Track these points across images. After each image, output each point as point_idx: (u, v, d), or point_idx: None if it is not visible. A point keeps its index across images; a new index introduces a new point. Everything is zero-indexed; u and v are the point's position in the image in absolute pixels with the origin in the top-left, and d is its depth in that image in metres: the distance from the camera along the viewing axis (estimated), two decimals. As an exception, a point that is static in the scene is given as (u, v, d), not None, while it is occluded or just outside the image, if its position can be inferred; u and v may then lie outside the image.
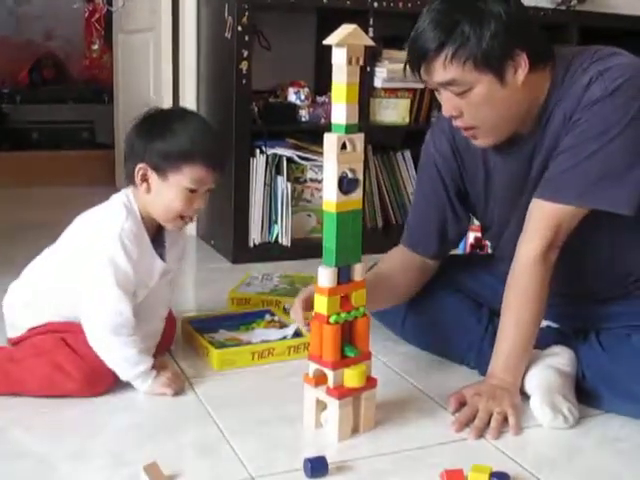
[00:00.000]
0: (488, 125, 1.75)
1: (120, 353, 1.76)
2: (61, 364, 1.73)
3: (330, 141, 1.52)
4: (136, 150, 1.82)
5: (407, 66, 1.76)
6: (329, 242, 1.56)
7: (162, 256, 1.89)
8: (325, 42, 1.49)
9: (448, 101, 1.74)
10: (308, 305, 1.73)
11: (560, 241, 1.75)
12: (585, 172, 1.69)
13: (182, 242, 2.02)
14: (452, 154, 1.97)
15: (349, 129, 1.52)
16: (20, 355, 1.77)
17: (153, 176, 1.80)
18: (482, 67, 1.66)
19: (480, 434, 1.66)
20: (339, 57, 1.49)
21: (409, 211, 2.15)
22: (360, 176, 1.57)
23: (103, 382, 1.77)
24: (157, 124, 1.82)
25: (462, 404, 1.76)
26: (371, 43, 1.53)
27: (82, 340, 1.76)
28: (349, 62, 1.49)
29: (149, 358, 1.80)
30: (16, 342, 1.86)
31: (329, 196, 1.54)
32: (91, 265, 1.77)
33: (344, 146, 1.54)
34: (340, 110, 1.52)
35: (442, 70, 1.68)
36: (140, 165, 1.80)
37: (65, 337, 1.78)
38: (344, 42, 1.47)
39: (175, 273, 2.01)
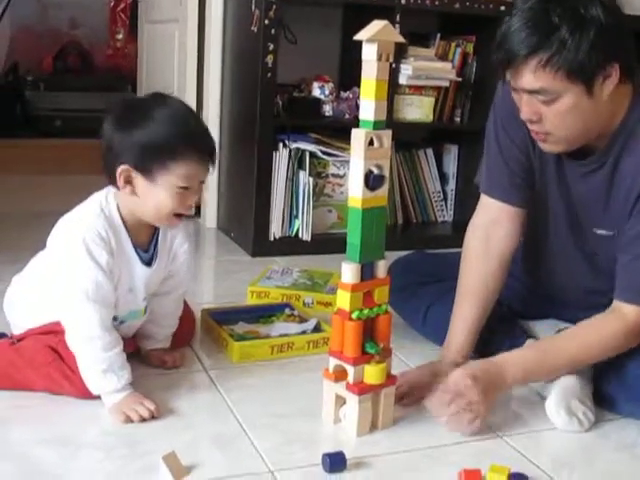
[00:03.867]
0: (564, 134, 1.67)
1: (90, 366, 1.64)
2: (56, 379, 1.68)
3: (357, 137, 1.52)
4: (115, 148, 1.65)
5: (496, 67, 1.65)
6: (353, 238, 1.56)
7: (149, 261, 1.78)
8: (356, 37, 1.49)
9: (530, 106, 1.64)
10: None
11: None
12: None
13: (182, 250, 1.86)
14: (525, 140, 1.83)
15: (377, 125, 1.52)
16: (19, 363, 1.72)
17: (138, 177, 1.65)
18: (574, 77, 1.56)
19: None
20: (369, 53, 1.49)
21: (484, 163, 1.97)
22: (386, 173, 1.56)
23: None
24: (135, 115, 1.66)
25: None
26: (401, 40, 1.53)
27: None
28: (379, 58, 1.48)
29: (119, 378, 1.64)
30: (18, 339, 1.79)
31: (355, 192, 1.54)
32: (61, 274, 1.67)
33: (371, 142, 1.53)
34: (369, 106, 1.51)
35: (532, 76, 1.58)
36: (122, 167, 1.64)
37: (58, 346, 1.69)
38: (375, 38, 1.47)
39: (183, 288, 1.94)
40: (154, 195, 1.65)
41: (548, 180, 1.85)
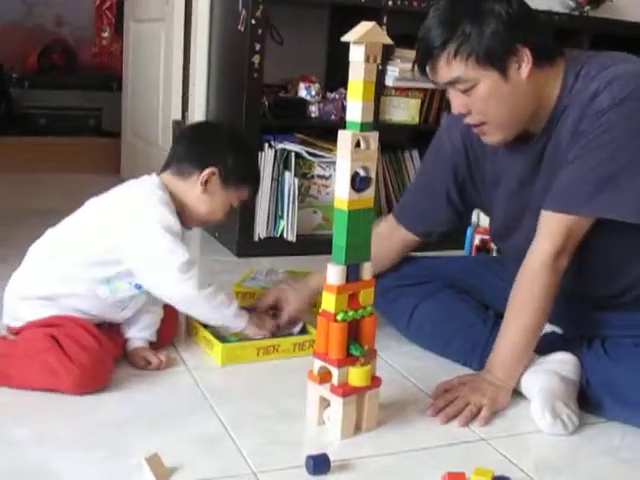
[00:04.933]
0: (496, 121, 1.78)
1: (210, 303, 1.86)
2: (52, 365, 1.70)
3: (344, 138, 1.52)
4: (211, 154, 1.93)
5: (415, 65, 1.80)
6: (339, 240, 1.55)
7: None
8: (343, 39, 1.48)
9: (456, 99, 1.78)
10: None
11: (570, 248, 1.76)
12: (592, 182, 1.71)
13: None
14: (464, 146, 2.00)
15: (364, 127, 1.52)
16: (14, 353, 1.74)
17: (216, 181, 1.93)
18: (484, 63, 1.71)
19: (448, 420, 1.71)
20: (357, 54, 1.48)
21: (408, 186, 2.21)
22: (373, 174, 1.56)
23: (95, 382, 1.73)
24: (230, 139, 2.01)
25: (446, 391, 1.79)
26: (389, 41, 1.52)
27: (75, 337, 1.73)
28: (367, 60, 1.48)
29: (235, 299, 1.95)
30: (15, 333, 1.82)
31: (341, 194, 1.53)
32: (142, 235, 1.81)
33: (358, 144, 1.53)
34: (356, 107, 1.51)
35: (446, 68, 1.73)
36: (212, 169, 1.91)
37: (57, 335, 1.74)
38: (363, 39, 1.46)
39: None
40: (217, 200, 1.95)
41: (488, 176, 1.98)
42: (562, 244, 1.75)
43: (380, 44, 1.50)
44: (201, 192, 1.92)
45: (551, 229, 1.76)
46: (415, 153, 3.45)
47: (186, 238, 1.93)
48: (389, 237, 2.15)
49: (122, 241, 1.80)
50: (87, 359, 1.70)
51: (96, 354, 1.73)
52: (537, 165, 1.85)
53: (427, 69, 1.78)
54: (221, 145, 1.96)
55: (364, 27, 1.48)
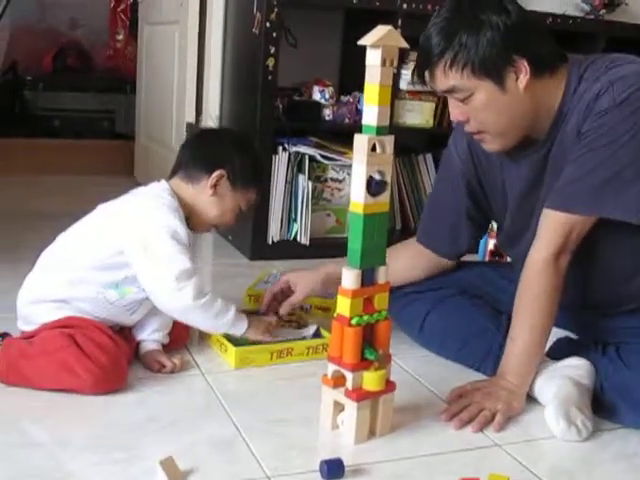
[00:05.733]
0: (494, 130, 1.79)
1: (207, 312, 1.84)
2: (70, 364, 1.70)
3: (360, 142, 1.51)
4: (218, 157, 1.95)
5: (415, 72, 1.83)
6: (355, 243, 1.55)
7: None
8: (360, 42, 1.48)
9: (454, 107, 1.79)
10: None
11: (571, 247, 1.77)
12: (593, 181, 1.72)
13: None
14: (471, 157, 2.01)
15: (380, 131, 1.51)
16: (31, 351, 1.74)
17: (225, 184, 1.94)
18: (480, 73, 1.72)
19: (462, 425, 1.70)
20: (373, 58, 1.48)
21: (424, 207, 2.21)
22: (388, 178, 1.56)
23: (112, 382, 1.74)
24: (239, 142, 2.01)
25: (460, 396, 1.79)
26: (405, 45, 1.52)
27: (92, 338, 1.74)
28: (383, 63, 1.47)
29: (232, 305, 1.92)
30: (28, 337, 1.82)
31: (357, 197, 1.53)
32: (146, 240, 1.80)
33: (374, 148, 1.53)
34: (372, 111, 1.50)
35: (443, 77, 1.75)
36: (221, 171, 1.93)
37: (75, 334, 1.75)
38: (379, 43, 1.46)
39: None
40: (227, 203, 1.96)
41: (496, 183, 1.99)
42: (563, 243, 1.75)
43: (396, 48, 1.50)
44: (211, 195, 1.93)
45: (552, 228, 1.76)
46: (429, 156, 3.44)
47: (199, 241, 1.95)
48: (415, 263, 2.14)
49: (129, 246, 1.80)
50: (105, 359, 1.71)
51: (114, 354, 1.75)
52: (542, 170, 1.85)
53: (426, 77, 1.79)
54: (227, 148, 1.97)
55: (380, 31, 1.47)
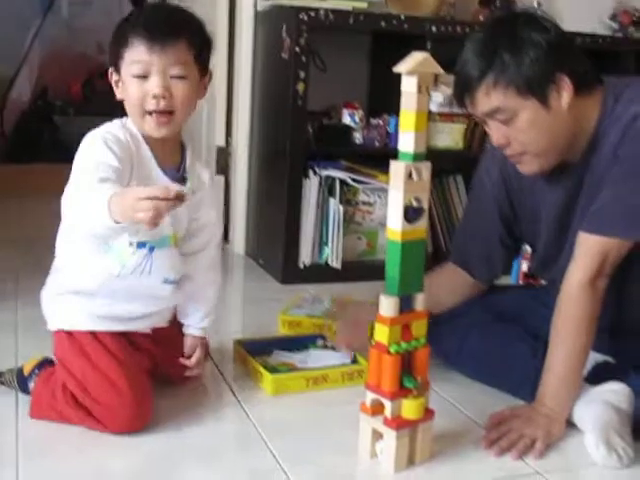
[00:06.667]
0: (535, 150, 1.77)
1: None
2: (92, 418, 1.67)
3: (397, 169, 1.51)
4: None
5: (454, 97, 1.83)
6: (392, 271, 1.54)
7: (181, 181, 1.75)
8: (395, 70, 1.48)
9: (495, 130, 1.78)
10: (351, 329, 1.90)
11: (608, 270, 1.75)
12: (630, 205, 1.70)
13: (202, 177, 1.83)
14: (503, 182, 1.99)
15: (416, 157, 1.51)
16: (59, 405, 1.70)
17: (118, 77, 1.67)
18: (524, 92, 1.70)
19: (502, 453, 1.68)
20: (409, 85, 1.48)
21: (456, 232, 2.20)
22: (425, 205, 1.55)
23: (139, 422, 1.68)
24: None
25: (499, 423, 1.77)
26: (441, 71, 1.51)
27: (104, 378, 1.67)
28: (419, 90, 1.47)
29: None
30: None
31: (394, 225, 1.52)
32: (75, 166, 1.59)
33: (410, 174, 1.52)
34: (408, 138, 1.50)
35: (486, 98, 1.73)
36: (110, 70, 1.68)
37: (88, 386, 1.67)
38: (415, 70, 1.46)
39: (215, 240, 1.90)
40: (124, 90, 1.66)
41: (528, 207, 1.98)
42: (599, 267, 1.74)
43: (432, 74, 1.50)
44: (120, 98, 1.69)
45: (588, 251, 1.74)
46: (459, 178, 3.43)
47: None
48: (454, 288, 2.13)
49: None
50: (122, 401, 1.65)
51: (131, 395, 1.66)
52: (576, 193, 1.83)
53: (466, 101, 1.77)
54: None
55: (416, 58, 1.47)
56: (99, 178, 1.49)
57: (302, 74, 2.89)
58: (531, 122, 1.72)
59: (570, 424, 1.80)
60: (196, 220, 1.84)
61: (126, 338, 1.79)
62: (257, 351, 2.09)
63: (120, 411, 1.65)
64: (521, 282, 2.84)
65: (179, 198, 1.36)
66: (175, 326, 1.93)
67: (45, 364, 1.85)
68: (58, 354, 1.77)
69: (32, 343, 2.14)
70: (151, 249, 1.71)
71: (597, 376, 1.88)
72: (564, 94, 1.71)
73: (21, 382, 1.83)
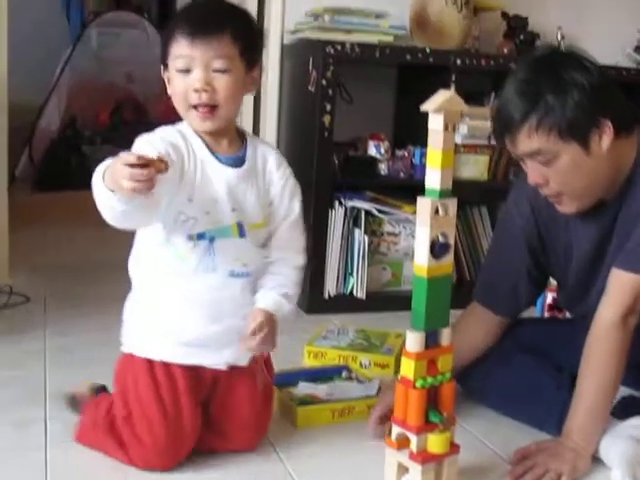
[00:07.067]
0: (574, 192, 1.78)
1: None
2: (125, 449, 1.67)
3: (423, 206, 1.53)
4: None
5: (494, 136, 1.82)
6: (419, 306, 1.55)
7: (238, 163, 1.69)
8: (422, 108, 1.50)
9: (534, 170, 1.77)
10: (383, 419, 1.81)
11: (639, 307, 1.75)
12: None
13: (277, 174, 1.76)
14: (533, 216, 1.98)
15: (443, 194, 1.53)
16: (99, 427, 1.72)
17: (167, 74, 1.66)
18: (567, 136, 1.69)
19: None
20: (436, 123, 1.50)
21: (482, 267, 2.18)
22: (451, 241, 1.56)
23: (168, 464, 1.67)
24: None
25: (525, 458, 1.77)
26: (466, 109, 1.53)
27: (144, 423, 1.65)
28: (446, 128, 1.49)
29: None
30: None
31: (420, 260, 1.54)
32: None
33: (437, 210, 1.54)
34: (435, 175, 1.52)
35: (527, 140, 1.72)
36: (162, 68, 1.67)
37: (131, 416, 1.67)
38: (441, 108, 1.48)
39: (292, 217, 1.77)
40: (171, 85, 1.65)
41: (559, 242, 1.97)
42: (632, 304, 1.75)
43: (458, 112, 1.51)
44: (169, 92, 1.67)
45: (620, 288, 1.75)
46: (484, 209, 3.44)
47: None
48: (479, 326, 2.10)
49: None
50: (152, 456, 1.65)
51: (164, 447, 1.65)
52: (610, 232, 1.84)
53: (506, 141, 1.77)
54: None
55: (442, 96, 1.49)
56: None
57: (328, 107, 2.92)
58: (571, 165, 1.73)
59: (596, 459, 1.79)
60: (270, 205, 1.75)
61: (196, 376, 1.70)
62: (283, 382, 2.10)
63: (150, 454, 1.65)
64: (546, 314, 2.84)
65: (157, 165, 1.38)
66: (253, 389, 1.79)
67: (101, 391, 1.87)
68: (117, 374, 1.73)
69: (61, 372, 2.17)
70: (211, 240, 1.64)
71: (623, 410, 1.88)
72: (605, 138, 1.71)
73: (76, 405, 1.85)
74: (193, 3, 1.78)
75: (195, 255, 1.64)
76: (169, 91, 1.66)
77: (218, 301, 1.68)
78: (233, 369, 1.74)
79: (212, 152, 1.66)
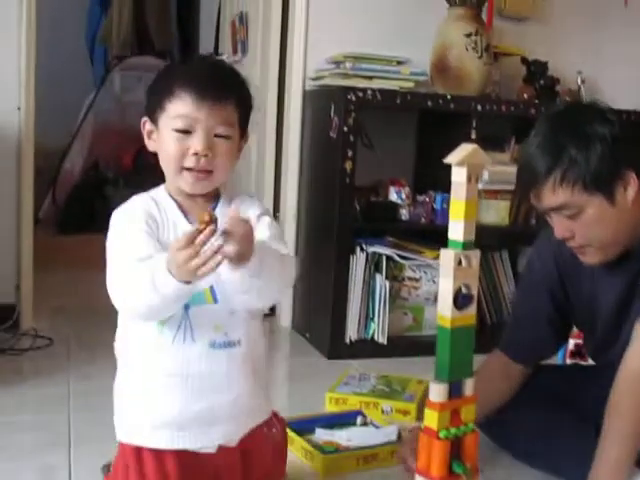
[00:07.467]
0: (599, 244, 1.78)
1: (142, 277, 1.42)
2: None
3: (446, 257, 1.53)
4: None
5: (519, 193, 1.80)
6: (442, 356, 1.56)
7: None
8: (446, 161, 1.51)
9: (560, 224, 1.78)
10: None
11: None
12: None
13: (252, 214, 1.57)
14: (556, 267, 1.99)
15: (466, 245, 1.54)
16: None
17: (153, 128, 1.54)
18: (592, 189, 1.70)
19: None
20: (459, 175, 1.51)
21: (507, 318, 2.18)
22: (474, 292, 1.57)
23: None
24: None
25: None
26: (489, 162, 1.55)
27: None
28: (469, 180, 1.51)
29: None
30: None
31: (444, 311, 1.54)
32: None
33: (460, 262, 1.55)
34: (458, 227, 1.53)
35: (552, 194, 1.73)
36: (143, 119, 1.56)
37: None
38: (464, 161, 1.49)
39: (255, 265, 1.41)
40: (161, 143, 1.52)
41: (583, 293, 1.97)
42: None
43: (482, 165, 1.53)
44: (153, 149, 1.56)
45: None
46: (505, 254, 3.45)
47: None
48: (502, 376, 2.09)
49: None
50: None
51: None
52: (636, 280, 1.83)
53: (531, 195, 1.78)
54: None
55: (465, 149, 1.50)
56: (138, 258, 1.45)
57: (350, 153, 2.95)
58: (597, 217, 1.73)
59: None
60: None
61: (193, 460, 1.52)
62: (299, 429, 2.10)
63: None
64: (568, 361, 2.83)
65: (207, 223, 1.30)
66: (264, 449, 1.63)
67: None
68: (114, 463, 1.59)
69: (85, 419, 2.18)
70: (186, 307, 1.48)
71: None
72: (630, 189, 1.72)
73: None
74: (195, 61, 1.73)
75: (170, 325, 1.49)
76: (151, 147, 1.57)
77: (199, 376, 1.49)
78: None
79: (185, 215, 1.55)
